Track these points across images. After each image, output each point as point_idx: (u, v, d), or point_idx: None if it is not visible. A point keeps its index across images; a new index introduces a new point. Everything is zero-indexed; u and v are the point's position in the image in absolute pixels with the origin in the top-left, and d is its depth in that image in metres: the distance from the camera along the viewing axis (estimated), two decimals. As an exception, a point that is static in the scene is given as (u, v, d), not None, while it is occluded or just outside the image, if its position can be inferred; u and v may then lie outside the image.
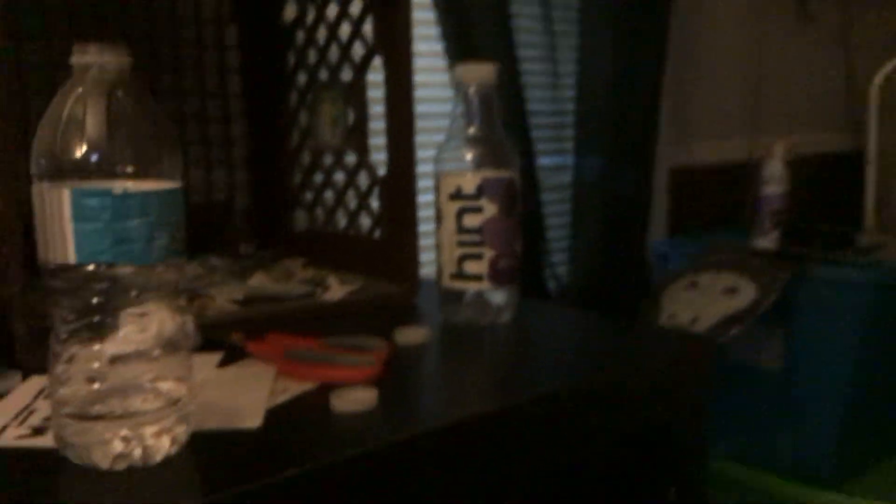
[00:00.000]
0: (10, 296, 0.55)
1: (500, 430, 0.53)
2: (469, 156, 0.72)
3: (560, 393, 0.57)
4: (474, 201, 0.71)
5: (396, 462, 0.48)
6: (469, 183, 0.71)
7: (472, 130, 0.72)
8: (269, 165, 0.99)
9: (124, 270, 0.41)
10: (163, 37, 0.93)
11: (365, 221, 0.85)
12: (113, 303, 0.42)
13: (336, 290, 0.78)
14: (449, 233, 0.72)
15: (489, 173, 0.71)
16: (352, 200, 0.87)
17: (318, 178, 0.92)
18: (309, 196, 0.94)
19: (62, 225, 0.39)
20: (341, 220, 0.89)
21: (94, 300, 0.41)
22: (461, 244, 0.72)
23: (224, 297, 0.74)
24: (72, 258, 0.40)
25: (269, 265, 0.88)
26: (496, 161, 0.72)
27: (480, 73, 0.72)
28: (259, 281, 0.81)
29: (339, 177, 0.88)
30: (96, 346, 0.42)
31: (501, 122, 0.73)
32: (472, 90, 0.72)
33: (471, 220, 0.71)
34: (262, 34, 0.97)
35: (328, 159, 0.90)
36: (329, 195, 0.91)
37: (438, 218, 0.74)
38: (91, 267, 0.40)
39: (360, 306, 0.76)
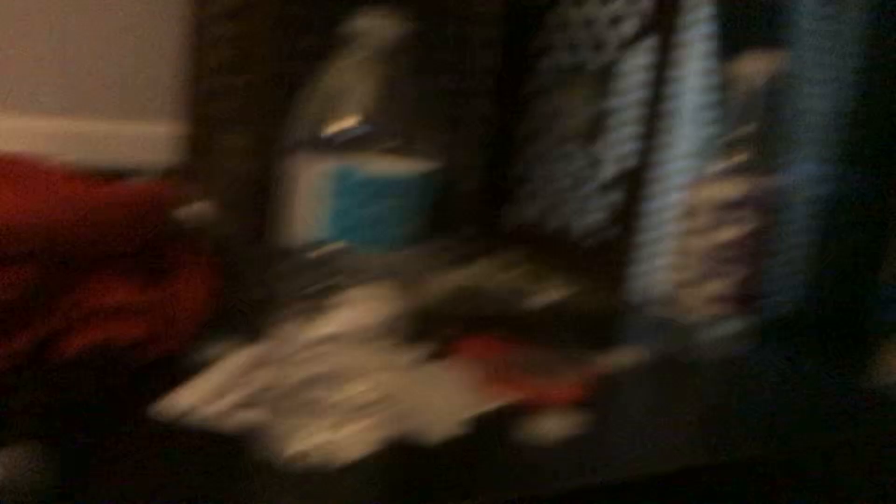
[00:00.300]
0: (239, 265, 0.55)
1: (712, 485, 0.46)
2: (735, 158, 0.63)
3: (775, 456, 0.49)
4: (734, 212, 0.62)
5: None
6: (731, 190, 0.62)
7: (743, 130, 0.63)
8: (498, 150, 0.95)
9: (364, 253, 0.39)
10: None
11: (588, 223, 0.79)
12: (343, 286, 0.39)
13: (547, 294, 0.72)
14: (694, 245, 0.64)
15: (758, 181, 0.62)
16: (583, 197, 0.81)
17: (551, 168, 0.86)
18: (536, 187, 0.88)
19: (317, 201, 0.37)
20: (566, 217, 0.83)
21: (329, 282, 0.39)
22: (707, 259, 0.63)
23: (431, 288, 0.72)
24: (320, 235, 0.37)
25: (483, 257, 0.84)
26: (767, 167, 0.63)
27: (763, 65, 0.63)
28: (467, 274, 0.78)
29: (574, 169, 0.82)
30: (314, 330, 0.39)
31: (778, 124, 0.64)
32: (750, 84, 0.63)
33: (725, 233, 0.62)
34: (518, 13, 0.92)
35: (565, 149, 0.84)
36: (559, 188, 0.85)
37: (684, 226, 0.65)
38: (336, 246, 0.38)
39: (568, 315, 0.70)
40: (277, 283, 0.40)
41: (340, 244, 0.38)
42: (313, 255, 0.39)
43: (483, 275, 0.79)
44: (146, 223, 0.47)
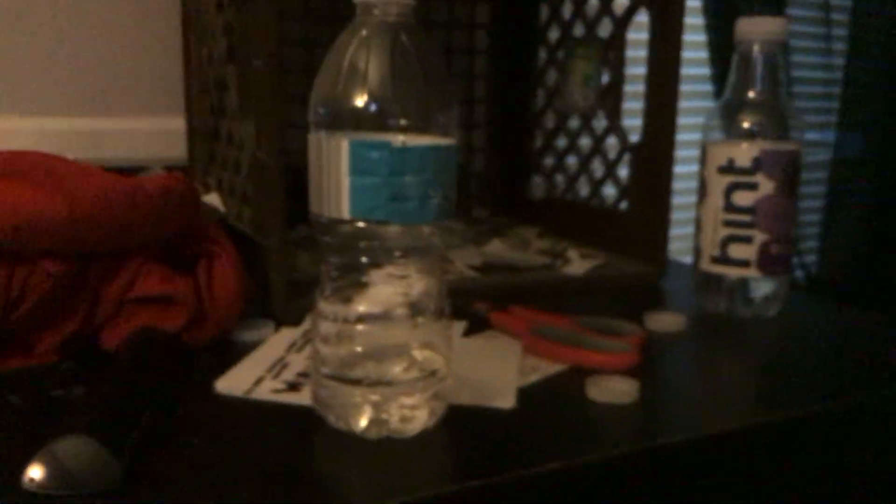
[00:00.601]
0: (268, 247, 0.56)
1: (771, 445, 0.46)
2: (746, 123, 0.63)
3: (839, 411, 0.49)
4: (748, 176, 0.62)
5: (661, 467, 0.42)
6: (744, 155, 0.62)
7: (751, 94, 0.63)
8: (508, 128, 0.95)
9: (393, 229, 0.39)
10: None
11: (610, 192, 0.79)
12: (375, 262, 0.39)
13: (577, 263, 0.73)
14: (714, 210, 0.64)
15: (769, 145, 0.62)
16: (598, 168, 0.81)
17: (562, 142, 0.86)
18: (549, 161, 0.89)
19: (338, 178, 0.37)
20: (583, 189, 0.84)
21: (361, 259, 0.39)
22: (728, 224, 0.64)
23: (461, 263, 0.72)
24: (346, 213, 0.38)
25: (505, 232, 0.84)
26: (778, 131, 0.63)
27: (767, 27, 0.63)
28: (495, 248, 0.78)
29: (585, 142, 0.83)
30: (356, 306, 0.40)
31: (786, 87, 0.64)
32: (755, 48, 0.63)
33: (742, 198, 0.63)
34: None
35: (574, 122, 0.84)
36: (572, 161, 0.85)
37: (702, 192, 0.66)
38: (362, 224, 0.38)
39: (603, 283, 0.70)
40: (307, 264, 0.40)
41: (371, 221, 0.38)
42: (347, 235, 0.39)
43: (509, 247, 0.79)
44: (176, 212, 0.48)
